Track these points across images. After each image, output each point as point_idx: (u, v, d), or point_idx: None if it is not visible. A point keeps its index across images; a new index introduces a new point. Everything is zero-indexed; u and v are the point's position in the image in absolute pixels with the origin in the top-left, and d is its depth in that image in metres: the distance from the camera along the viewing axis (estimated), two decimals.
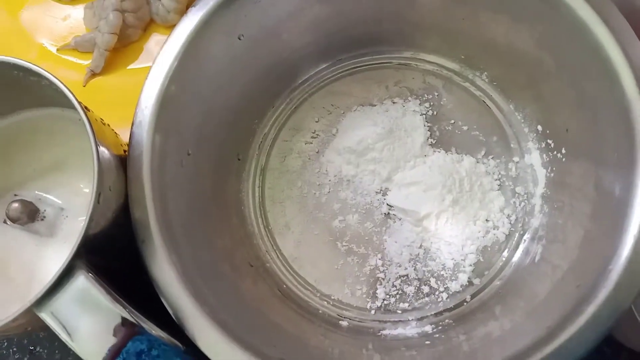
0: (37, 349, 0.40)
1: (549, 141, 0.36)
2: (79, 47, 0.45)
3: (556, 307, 0.29)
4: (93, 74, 0.44)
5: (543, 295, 0.31)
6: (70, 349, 0.38)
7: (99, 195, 0.28)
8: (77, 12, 0.47)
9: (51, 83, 0.30)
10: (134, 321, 0.27)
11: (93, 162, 0.28)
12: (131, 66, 0.45)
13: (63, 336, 0.27)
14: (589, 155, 0.33)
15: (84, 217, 0.34)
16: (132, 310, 0.27)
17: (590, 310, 0.26)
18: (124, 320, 0.27)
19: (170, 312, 0.29)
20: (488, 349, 0.31)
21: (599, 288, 0.27)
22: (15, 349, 0.40)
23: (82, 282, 0.27)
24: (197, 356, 0.29)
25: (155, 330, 0.28)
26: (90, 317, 0.27)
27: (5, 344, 0.40)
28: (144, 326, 0.27)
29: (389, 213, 0.38)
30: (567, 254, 0.32)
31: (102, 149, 0.29)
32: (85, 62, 0.45)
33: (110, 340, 0.27)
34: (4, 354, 0.40)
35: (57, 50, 0.45)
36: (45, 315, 0.27)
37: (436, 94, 0.40)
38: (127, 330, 0.27)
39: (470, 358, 0.32)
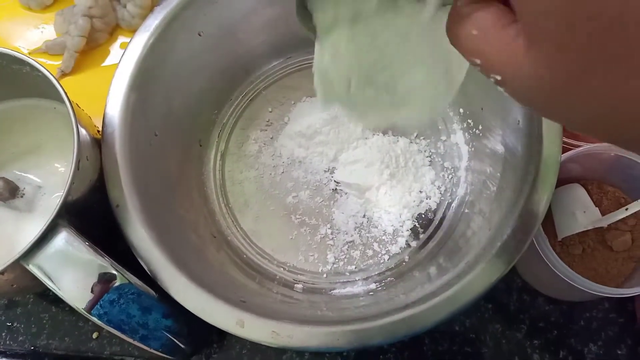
0: (14, 324, 0.43)
1: (469, 121, 0.42)
2: (50, 50, 0.49)
3: (473, 249, 0.34)
4: (63, 74, 0.48)
5: (465, 243, 0.37)
6: (45, 323, 0.42)
7: (78, 162, 0.32)
8: (49, 25, 0.51)
9: (32, 69, 0.34)
10: (114, 270, 0.31)
11: (72, 132, 0.32)
12: (103, 64, 0.49)
13: (49, 284, 0.30)
14: (499, 126, 0.39)
15: (59, 193, 0.38)
16: (112, 260, 0.31)
17: (499, 244, 0.32)
18: (102, 272, 0.31)
19: (143, 264, 0.33)
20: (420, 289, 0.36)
21: (506, 227, 0.32)
22: None
23: (65, 236, 0.31)
24: (168, 304, 0.33)
25: (132, 279, 0.32)
26: (74, 268, 0.31)
27: None
28: (123, 275, 0.31)
29: (336, 188, 0.43)
30: (484, 208, 0.37)
31: (79, 125, 0.33)
32: (56, 63, 0.49)
33: (93, 287, 0.30)
34: None
35: (29, 53, 0.49)
36: (32, 267, 0.30)
37: None
38: (103, 285, 0.31)
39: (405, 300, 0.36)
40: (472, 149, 0.42)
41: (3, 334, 0.43)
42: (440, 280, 0.37)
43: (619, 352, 0.39)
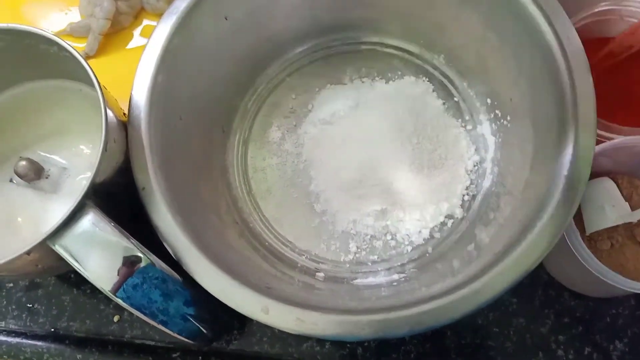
0: (35, 305, 0.43)
1: (496, 111, 0.42)
2: (74, 32, 0.49)
3: (500, 242, 0.34)
4: (87, 56, 0.48)
5: (491, 236, 0.36)
6: (67, 305, 0.42)
7: (106, 143, 0.32)
8: (74, 7, 0.51)
9: (60, 49, 0.34)
10: (140, 253, 0.31)
11: (100, 114, 0.32)
12: (128, 47, 0.49)
13: (76, 265, 0.30)
14: (528, 118, 0.38)
15: (85, 175, 0.38)
16: (138, 243, 0.31)
17: (530, 237, 0.31)
18: (127, 254, 0.31)
19: (168, 248, 0.33)
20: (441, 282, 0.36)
21: (537, 220, 0.32)
22: (14, 307, 0.43)
23: (92, 217, 0.31)
24: (192, 288, 0.33)
25: (157, 262, 0.32)
26: (100, 249, 0.30)
27: (5, 302, 0.43)
28: (149, 258, 0.31)
29: (360, 178, 0.43)
30: (512, 201, 0.37)
31: (107, 108, 0.33)
32: (80, 45, 0.49)
33: (118, 269, 0.30)
34: (3, 311, 0.43)
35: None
36: (59, 247, 0.30)
37: (399, 73, 0.46)
38: (129, 267, 0.31)
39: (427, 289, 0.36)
40: (499, 140, 0.42)
41: (23, 315, 0.43)
42: (464, 273, 0.36)
43: None
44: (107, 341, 0.42)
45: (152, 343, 0.41)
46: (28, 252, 0.30)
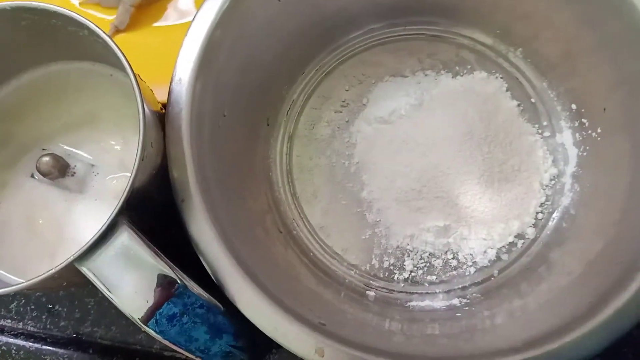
0: (56, 307, 0.39)
1: (583, 120, 0.36)
2: (103, 2, 0.43)
3: (594, 282, 0.29)
4: (117, 30, 0.43)
5: (578, 271, 0.32)
6: (91, 309, 0.38)
7: (143, 150, 0.27)
8: None
9: (92, 33, 0.29)
10: (178, 279, 0.27)
11: (138, 115, 0.27)
12: (156, 24, 0.44)
13: (105, 291, 0.26)
14: (626, 134, 0.33)
15: (114, 175, 0.34)
16: (176, 267, 0.27)
17: (635, 285, 0.27)
18: (162, 279, 0.27)
19: (209, 271, 0.29)
20: (510, 326, 0.32)
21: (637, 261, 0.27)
22: (32, 307, 0.40)
23: (126, 238, 0.26)
24: (235, 317, 0.29)
25: (196, 289, 0.27)
26: (133, 273, 0.27)
27: (23, 301, 0.40)
28: (186, 284, 0.27)
29: (420, 189, 0.38)
30: (602, 231, 0.32)
31: (144, 103, 0.29)
32: (109, 17, 0.43)
33: (152, 297, 0.26)
34: (22, 311, 0.40)
35: (80, 4, 0.44)
36: (87, 270, 0.26)
37: (469, 67, 0.40)
38: (164, 292, 0.27)
39: (491, 333, 0.32)
40: (584, 153, 0.36)
41: (43, 317, 0.39)
42: (533, 297, 0.32)
43: None
44: (134, 351, 0.38)
45: (183, 357, 0.38)
46: (54, 275, 0.26)
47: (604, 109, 0.34)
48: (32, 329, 0.39)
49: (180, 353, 0.36)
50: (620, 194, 0.32)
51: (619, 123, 0.33)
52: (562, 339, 0.27)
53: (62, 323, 0.39)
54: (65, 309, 0.39)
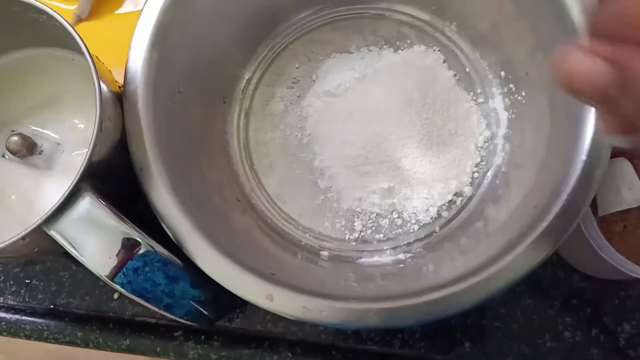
0: (34, 281, 0.42)
1: (510, 85, 0.40)
2: None
3: (515, 226, 0.32)
4: (79, 19, 0.45)
5: (503, 219, 0.35)
6: (65, 281, 0.41)
7: (101, 123, 0.30)
8: None
9: (50, 18, 0.32)
10: (140, 239, 0.30)
11: (95, 92, 0.30)
12: (117, 12, 0.46)
13: (72, 251, 0.29)
14: (545, 95, 0.36)
15: (80, 152, 0.36)
16: (138, 229, 0.30)
17: (544, 224, 0.30)
18: (126, 239, 0.30)
19: (169, 233, 0.31)
20: (451, 268, 0.35)
21: (553, 205, 0.30)
22: (12, 282, 0.42)
23: (88, 201, 0.29)
24: (194, 273, 0.31)
25: (157, 247, 0.30)
26: (97, 234, 0.29)
27: (2, 277, 0.42)
28: (148, 243, 0.30)
29: (367, 155, 0.41)
30: (525, 182, 0.35)
31: (101, 82, 0.31)
32: (71, 7, 0.46)
33: (117, 254, 0.29)
34: (1, 287, 0.42)
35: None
36: (54, 232, 0.29)
37: (409, 41, 0.43)
38: (128, 250, 0.30)
39: (430, 278, 0.35)
40: (512, 115, 0.40)
41: (22, 291, 0.42)
42: (473, 253, 0.35)
43: None
44: (108, 318, 0.41)
45: (154, 321, 0.41)
46: (23, 238, 0.29)
47: (526, 73, 0.38)
48: (12, 302, 0.42)
49: (150, 317, 0.39)
50: (541, 147, 0.35)
51: (539, 85, 0.37)
52: (484, 273, 0.30)
53: (40, 296, 0.42)
54: (42, 283, 0.42)
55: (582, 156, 0.31)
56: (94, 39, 0.44)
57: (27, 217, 0.36)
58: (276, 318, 0.40)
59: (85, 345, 0.40)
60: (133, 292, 0.30)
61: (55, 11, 0.31)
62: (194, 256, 0.31)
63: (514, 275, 0.30)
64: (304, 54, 0.44)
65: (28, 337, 0.41)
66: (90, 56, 0.31)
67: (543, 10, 0.34)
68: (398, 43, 0.43)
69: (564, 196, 0.30)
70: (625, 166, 0.37)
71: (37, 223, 0.28)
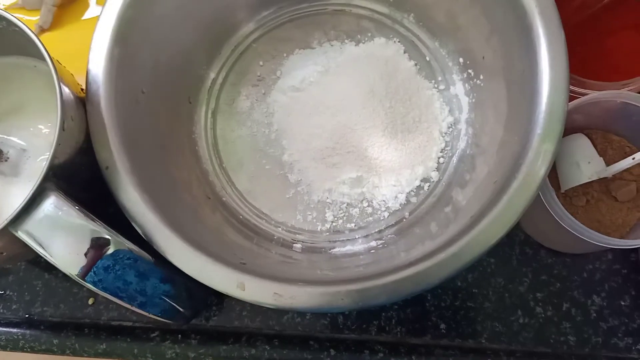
0: (7, 292, 0.42)
1: (469, 71, 0.41)
2: (27, 4, 0.46)
3: (477, 204, 0.33)
4: (42, 30, 0.45)
5: (468, 197, 0.36)
6: (39, 290, 0.41)
7: (63, 122, 0.30)
8: None
9: (9, 24, 0.32)
10: (109, 236, 0.30)
11: (56, 91, 0.30)
12: (82, 18, 0.46)
13: (40, 251, 0.29)
14: (502, 76, 0.37)
15: (45, 156, 0.36)
16: (105, 225, 0.30)
17: (505, 198, 0.31)
18: (95, 238, 0.30)
19: (137, 228, 0.32)
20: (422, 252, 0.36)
21: (512, 179, 0.31)
22: None
23: (54, 200, 0.29)
24: (164, 268, 0.32)
25: (127, 244, 0.30)
26: (64, 233, 0.29)
27: None
28: (118, 240, 0.30)
29: (333, 146, 0.42)
30: (487, 161, 0.36)
31: (62, 84, 0.31)
32: (34, 18, 0.46)
33: (85, 253, 0.29)
34: None
35: (5, 8, 0.46)
36: (21, 233, 0.29)
37: (369, 34, 0.44)
38: (98, 248, 0.30)
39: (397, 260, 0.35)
40: (473, 100, 0.41)
41: None
42: (442, 237, 0.36)
43: (623, 303, 0.38)
44: (83, 324, 0.41)
45: (130, 324, 0.41)
46: None
47: (483, 58, 0.39)
48: None
49: (126, 320, 0.39)
50: (500, 127, 0.36)
51: (495, 67, 0.38)
52: (450, 249, 0.31)
53: (14, 306, 0.41)
54: (15, 293, 0.42)
55: (538, 130, 0.32)
56: (57, 48, 0.45)
57: None
58: (253, 313, 0.40)
59: (62, 352, 0.40)
60: (105, 290, 0.30)
61: (13, 15, 0.31)
62: (163, 250, 0.31)
63: (479, 249, 0.30)
64: (267, 52, 0.45)
65: (4, 348, 0.40)
66: (50, 58, 0.31)
67: None
68: (359, 36, 0.44)
69: (523, 170, 0.31)
70: (583, 141, 0.38)
71: (3, 224, 0.28)
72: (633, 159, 0.35)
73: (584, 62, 0.39)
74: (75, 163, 0.32)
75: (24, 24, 0.32)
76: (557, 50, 0.32)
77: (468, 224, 0.31)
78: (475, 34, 0.39)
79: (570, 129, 0.39)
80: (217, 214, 0.40)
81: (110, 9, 0.35)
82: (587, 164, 0.37)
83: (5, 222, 0.28)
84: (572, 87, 0.37)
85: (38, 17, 0.46)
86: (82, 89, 0.35)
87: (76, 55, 0.37)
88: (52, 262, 0.29)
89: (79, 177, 0.33)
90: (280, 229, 0.41)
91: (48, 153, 0.36)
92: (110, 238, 0.30)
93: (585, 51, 0.40)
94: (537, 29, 0.33)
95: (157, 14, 0.37)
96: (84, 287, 0.40)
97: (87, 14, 0.47)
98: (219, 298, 0.41)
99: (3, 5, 0.47)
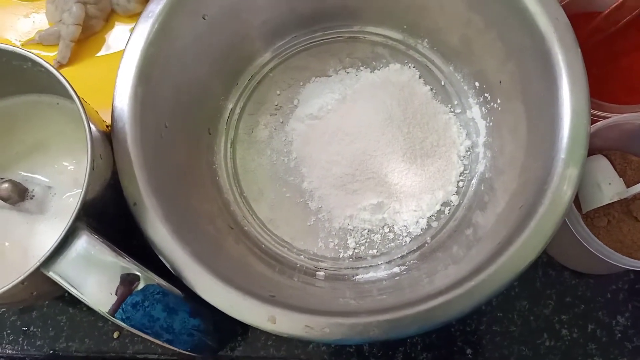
0: (31, 328, 0.42)
1: (485, 94, 0.41)
2: (44, 40, 0.47)
3: (503, 229, 0.33)
4: (60, 65, 0.46)
5: (491, 224, 0.36)
6: (64, 325, 0.41)
7: (93, 161, 0.30)
8: (40, 13, 0.49)
9: (34, 64, 0.32)
10: (139, 272, 0.30)
11: (85, 131, 0.30)
12: (98, 54, 0.47)
13: (72, 290, 0.29)
14: (520, 100, 0.37)
15: (71, 193, 0.37)
16: (136, 262, 0.30)
17: (533, 224, 0.31)
18: (125, 274, 0.30)
19: (167, 264, 0.32)
20: (445, 276, 0.36)
21: (538, 204, 0.31)
22: (9, 331, 0.42)
23: (85, 240, 0.29)
24: (193, 302, 0.32)
25: (156, 279, 0.31)
26: (96, 271, 0.29)
27: None
28: (147, 276, 0.30)
29: (353, 173, 0.42)
30: (509, 186, 0.36)
31: (90, 121, 0.32)
32: (51, 54, 0.47)
33: (116, 290, 0.29)
34: None
35: (22, 45, 0.47)
36: (53, 274, 0.29)
37: (384, 61, 0.45)
38: (127, 285, 0.30)
39: (430, 285, 0.36)
40: (490, 123, 0.41)
41: (20, 339, 0.41)
42: (465, 260, 0.36)
43: None
44: (109, 358, 0.41)
45: (155, 357, 0.41)
46: (22, 282, 0.29)
47: (500, 82, 0.39)
48: (10, 351, 0.41)
49: (151, 353, 0.39)
50: (521, 151, 0.37)
51: (513, 91, 0.38)
52: (479, 277, 0.31)
53: (38, 342, 0.41)
54: (39, 329, 0.42)
55: (561, 154, 0.32)
56: (76, 83, 0.45)
57: (22, 262, 0.36)
58: (278, 342, 0.40)
59: None
60: (133, 327, 0.30)
61: (38, 56, 0.32)
62: (193, 285, 0.31)
63: (508, 276, 0.31)
64: (283, 81, 0.45)
65: None
66: (78, 97, 0.31)
67: (510, 20, 0.36)
68: (374, 63, 0.45)
69: (549, 195, 0.31)
70: (603, 162, 0.39)
71: (36, 266, 0.29)
72: None
73: (600, 84, 0.39)
74: (103, 199, 0.33)
75: (48, 63, 0.32)
76: (577, 75, 0.33)
77: (496, 251, 0.32)
78: (491, 59, 0.40)
79: (589, 150, 0.39)
80: (241, 244, 0.40)
81: (133, 46, 0.35)
82: (608, 185, 0.38)
83: (38, 263, 0.29)
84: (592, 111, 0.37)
85: (54, 52, 0.46)
86: (107, 126, 0.36)
87: (95, 90, 0.38)
88: (83, 301, 0.30)
89: (106, 213, 0.34)
90: (302, 256, 0.41)
91: (74, 189, 0.36)
92: (140, 274, 0.30)
93: (600, 73, 0.40)
94: (555, 54, 0.33)
95: (178, 49, 0.38)
96: (109, 320, 0.41)
97: (104, 49, 0.47)
98: (244, 327, 0.41)
99: (19, 41, 0.48)
